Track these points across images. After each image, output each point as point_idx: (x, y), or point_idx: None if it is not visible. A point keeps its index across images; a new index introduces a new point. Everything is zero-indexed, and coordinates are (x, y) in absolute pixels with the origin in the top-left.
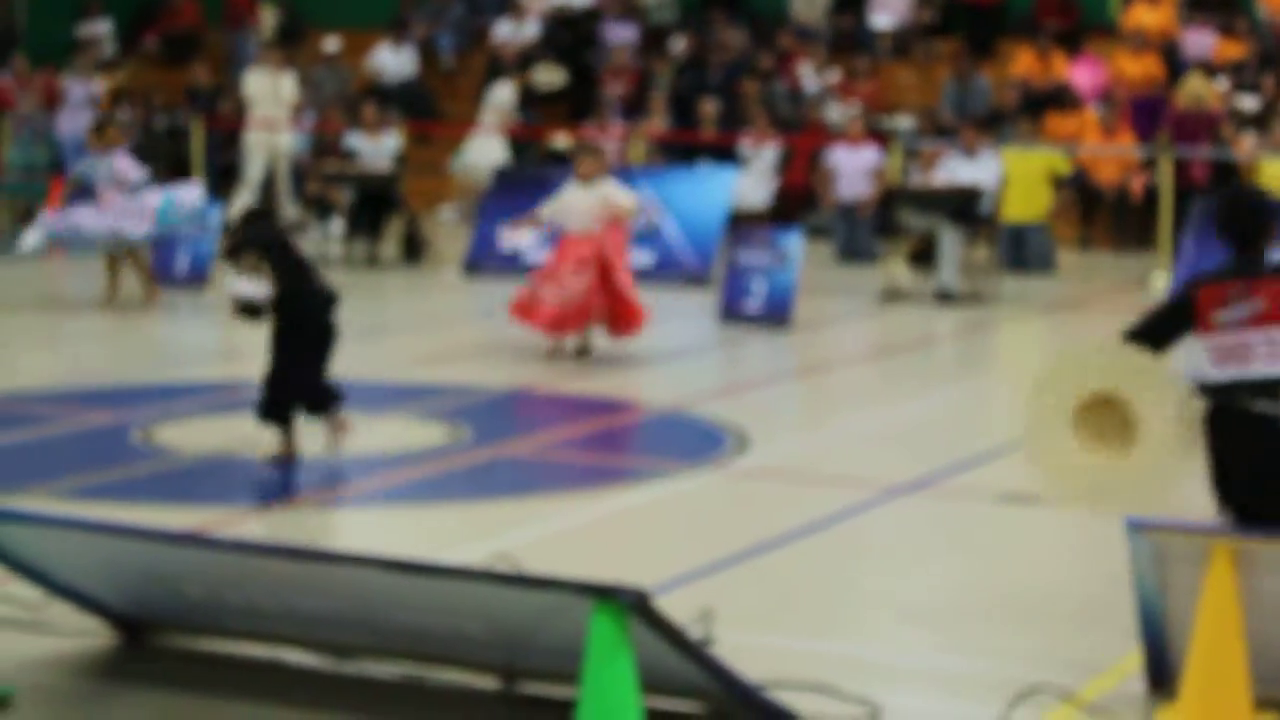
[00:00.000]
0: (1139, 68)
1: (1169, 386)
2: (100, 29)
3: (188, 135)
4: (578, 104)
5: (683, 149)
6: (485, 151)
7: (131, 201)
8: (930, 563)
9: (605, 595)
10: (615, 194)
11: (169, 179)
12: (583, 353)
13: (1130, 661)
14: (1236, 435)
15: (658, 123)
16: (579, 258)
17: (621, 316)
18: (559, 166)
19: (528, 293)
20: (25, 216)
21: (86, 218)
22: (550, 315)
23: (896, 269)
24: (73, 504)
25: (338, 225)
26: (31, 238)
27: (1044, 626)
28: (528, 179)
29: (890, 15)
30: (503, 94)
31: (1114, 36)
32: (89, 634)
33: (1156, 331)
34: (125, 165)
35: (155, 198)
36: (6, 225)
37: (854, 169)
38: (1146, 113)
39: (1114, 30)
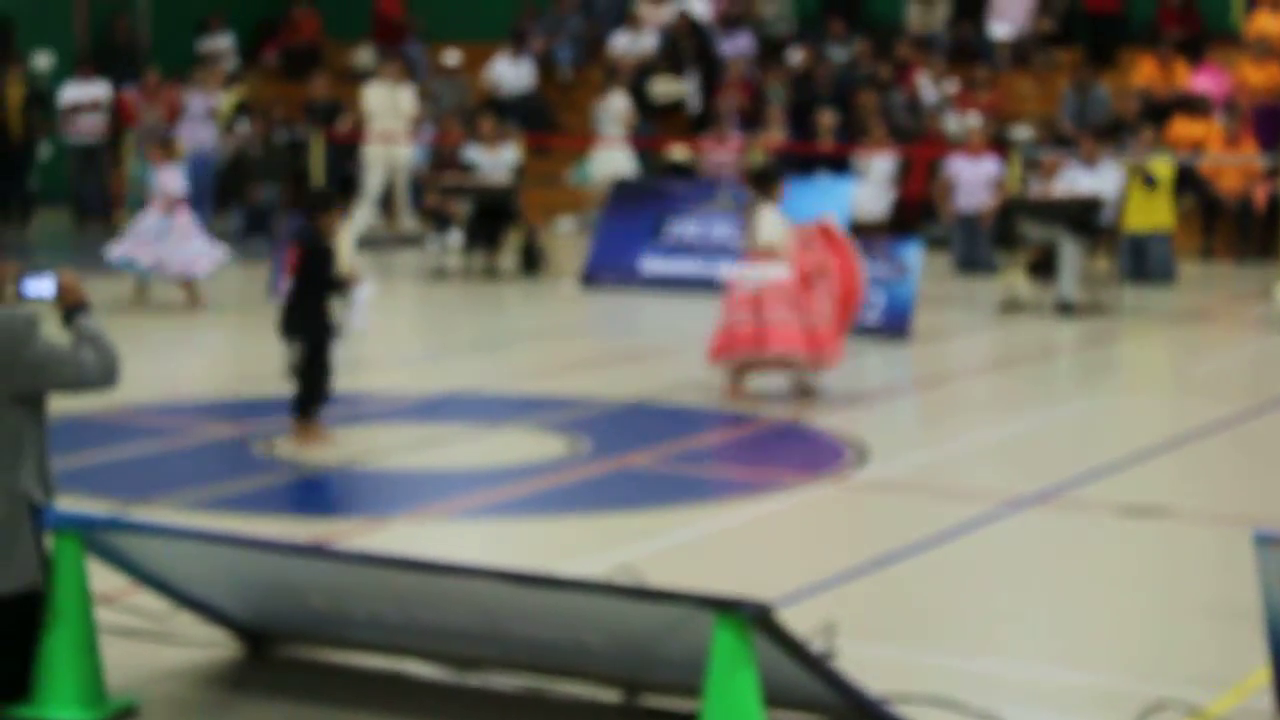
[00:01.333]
0: (1262, 76)
1: None
2: (222, 43)
3: (307, 149)
4: (696, 116)
5: (801, 160)
6: (611, 163)
7: (195, 240)
8: (1053, 576)
9: (727, 608)
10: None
11: (291, 193)
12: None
13: (1258, 677)
14: None
15: (775, 134)
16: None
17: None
18: (677, 179)
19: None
20: None
21: (146, 252)
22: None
23: (1016, 280)
24: (197, 516)
25: (456, 237)
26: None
27: (1169, 641)
28: (646, 191)
29: (1009, 24)
30: (618, 104)
31: (1237, 44)
32: (214, 645)
33: None
34: (169, 178)
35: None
36: None
37: (973, 179)
38: (1270, 121)
39: (1237, 38)
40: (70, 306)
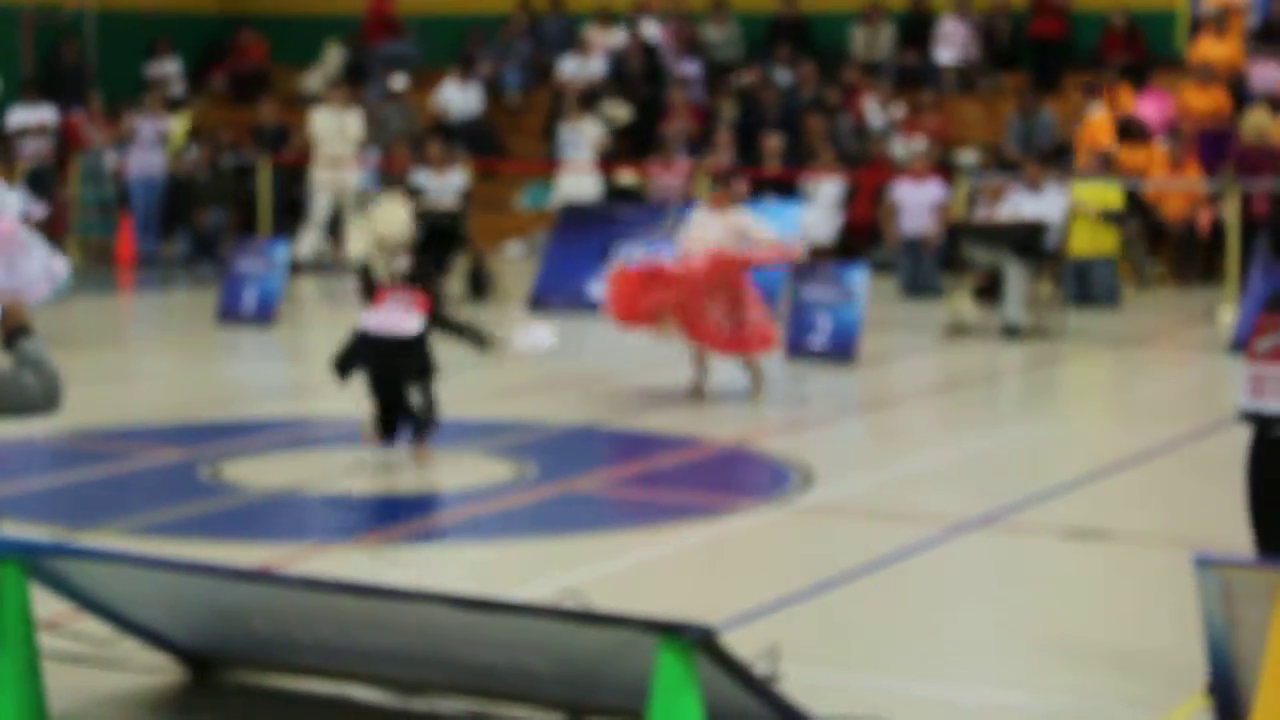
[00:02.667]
0: (1206, 100)
1: None
2: (169, 68)
3: (255, 173)
4: (643, 140)
5: (748, 184)
6: (577, 187)
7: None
8: (996, 600)
9: (671, 632)
10: (751, 225)
11: (239, 217)
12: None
13: (1199, 699)
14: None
15: (722, 158)
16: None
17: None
18: (625, 203)
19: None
20: (99, 254)
21: None
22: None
23: (961, 304)
24: (142, 540)
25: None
26: None
27: (1111, 664)
28: (594, 215)
29: (954, 50)
30: (592, 132)
31: (1180, 69)
32: (158, 670)
33: None
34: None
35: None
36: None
37: (918, 204)
38: (1213, 146)
39: (1181, 63)
40: (12, 330)
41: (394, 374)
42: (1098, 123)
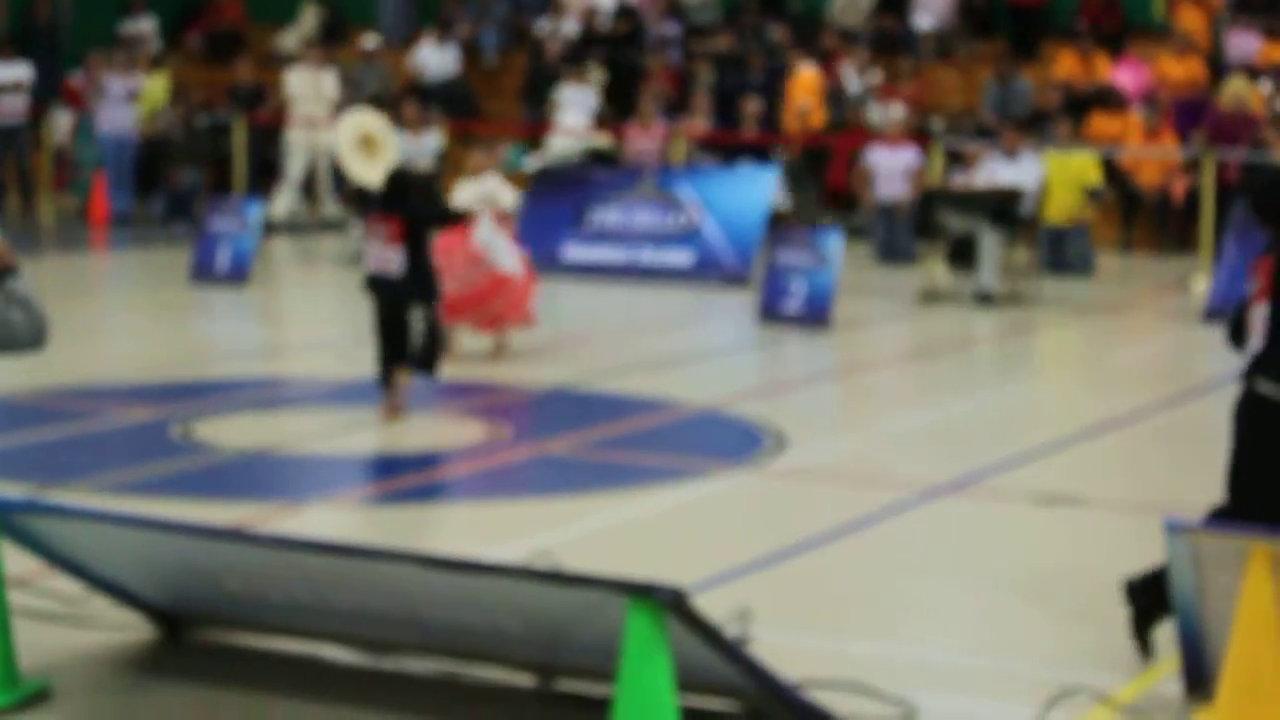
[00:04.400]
0: (1182, 69)
1: None
2: (144, 26)
3: (230, 133)
4: (619, 103)
5: (724, 148)
6: (569, 149)
7: None
8: (967, 563)
9: (642, 593)
10: (497, 189)
11: (214, 177)
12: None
13: (1168, 663)
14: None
15: (699, 122)
16: (467, 251)
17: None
18: (600, 166)
19: None
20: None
21: None
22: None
23: (936, 270)
24: (113, 499)
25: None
26: None
27: (1081, 627)
28: (568, 178)
29: (932, 16)
30: (587, 99)
31: (1157, 38)
32: (128, 628)
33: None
34: None
35: None
36: (51, 222)
37: (892, 169)
38: (1189, 115)
39: (1158, 31)
40: None
41: (394, 314)
42: (803, 81)
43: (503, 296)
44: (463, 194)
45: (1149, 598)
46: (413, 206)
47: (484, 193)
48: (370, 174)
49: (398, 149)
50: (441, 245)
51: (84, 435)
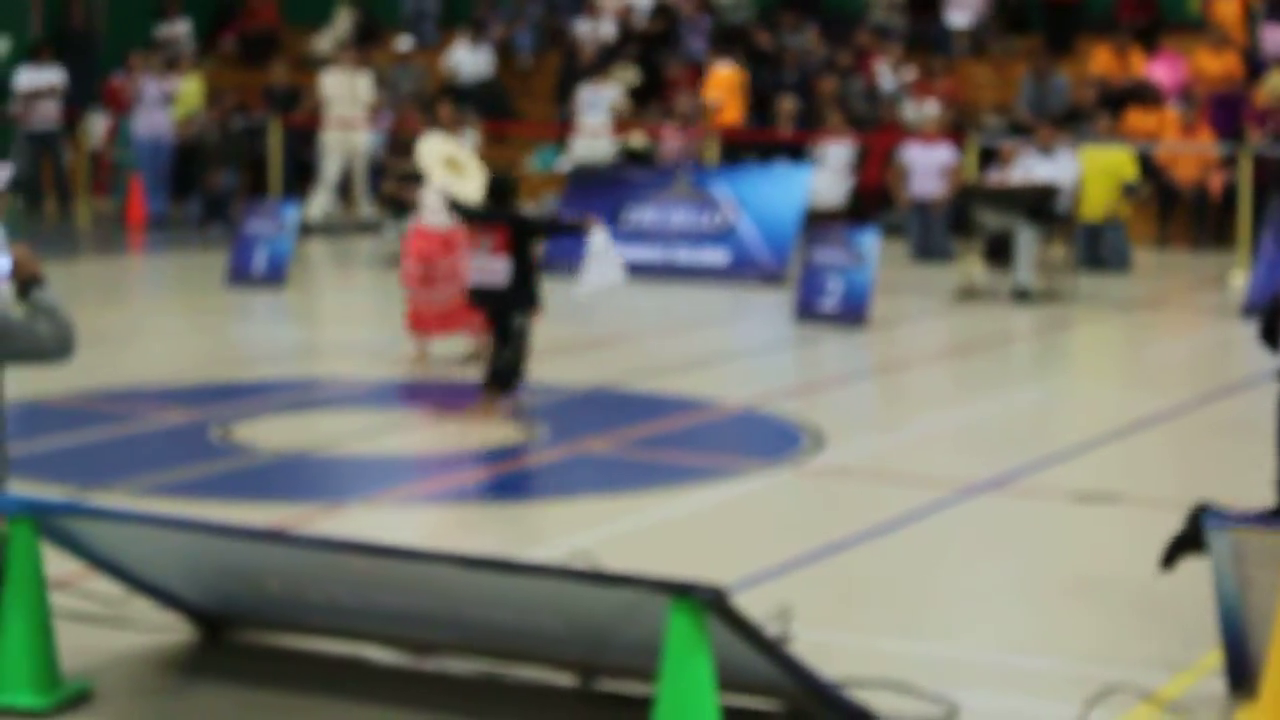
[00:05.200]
0: (1219, 64)
1: None
2: (179, 29)
3: (265, 135)
4: (651, 103)
5: (759, 147)
6: (593, 150)
7: None
8: (1007, 561)
9: (683, 593)
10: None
11: (249, 179)
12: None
13: (1210, 660)
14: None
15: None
16: (451, 260)
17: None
18: (635, 166)
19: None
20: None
21: None
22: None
23: (972, 267)
24: (153, 501)
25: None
26: None
27: (1123, 625)
28: (604, 178)
29: (966, 13)
30: (613, 95)
31: (1193, 32)
32: (169, 629)
33: None
34: None
35: None
36: (86, 225)
37: (928, 167)
38: (1226, 110)
39: (1193, 26)
40: (25, 280)
41: (501, 324)
42: (717, 78)
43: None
44: (439, 199)
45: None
46: (519, 214)
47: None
48: (468, 188)
49: (479, 165)
50: (419, 253)
51: (123, 438)
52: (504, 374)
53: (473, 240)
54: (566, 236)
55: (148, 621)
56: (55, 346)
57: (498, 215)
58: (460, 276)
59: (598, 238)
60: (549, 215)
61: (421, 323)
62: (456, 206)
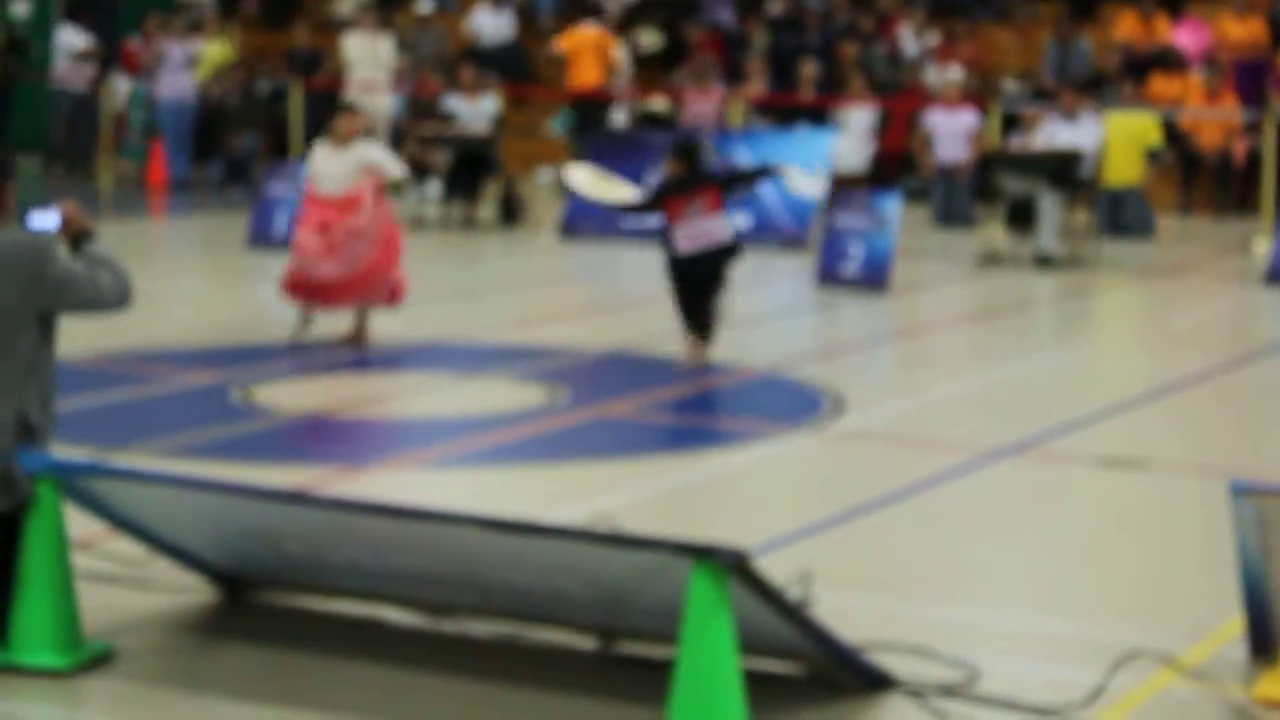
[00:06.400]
0: (1243, 30)
1: None
2: None
3: (287, 98)
4: (675, 66)
5: (781, 111)
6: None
7: None
8: (1028, 526)
9: (704, 555)
10: (380, 158)
11: (271, 142)
12: (357, 339)
13: (1232, 626)
14: None
15: (756, 85)
16: (348, 225)
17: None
18: (657, 129)
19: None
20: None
21: None
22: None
23: (995, 233)
24: (174, 462)
25: (435, 188)
26: None
27: (1144, 590)
28: (626, 142)
29: None
30: (618, 56)
31: None
32: (190, 590)
33: None
34: None
35: None
36: (110, 187)
37: (951, 132)
38: (1250, 76)
39: None
40: (77, 234)
41: (718, 281)
42: (581, 37)
43: (388, 274)
44: (330, 164)
45: None
46: (716, 171)
47: (364, 162)
48: (622, 191)
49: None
50: (318, 222)
51: (145, 399)
52: (715, 321)
53: (680, 209)
54: (764, 181)
55: (169, 582)
56: (116, 297)
57: (702, 178)
58: (362, 240)
59: (793, 172)
60: (732, 168)
61: (313, 292)
62: (663, 188)
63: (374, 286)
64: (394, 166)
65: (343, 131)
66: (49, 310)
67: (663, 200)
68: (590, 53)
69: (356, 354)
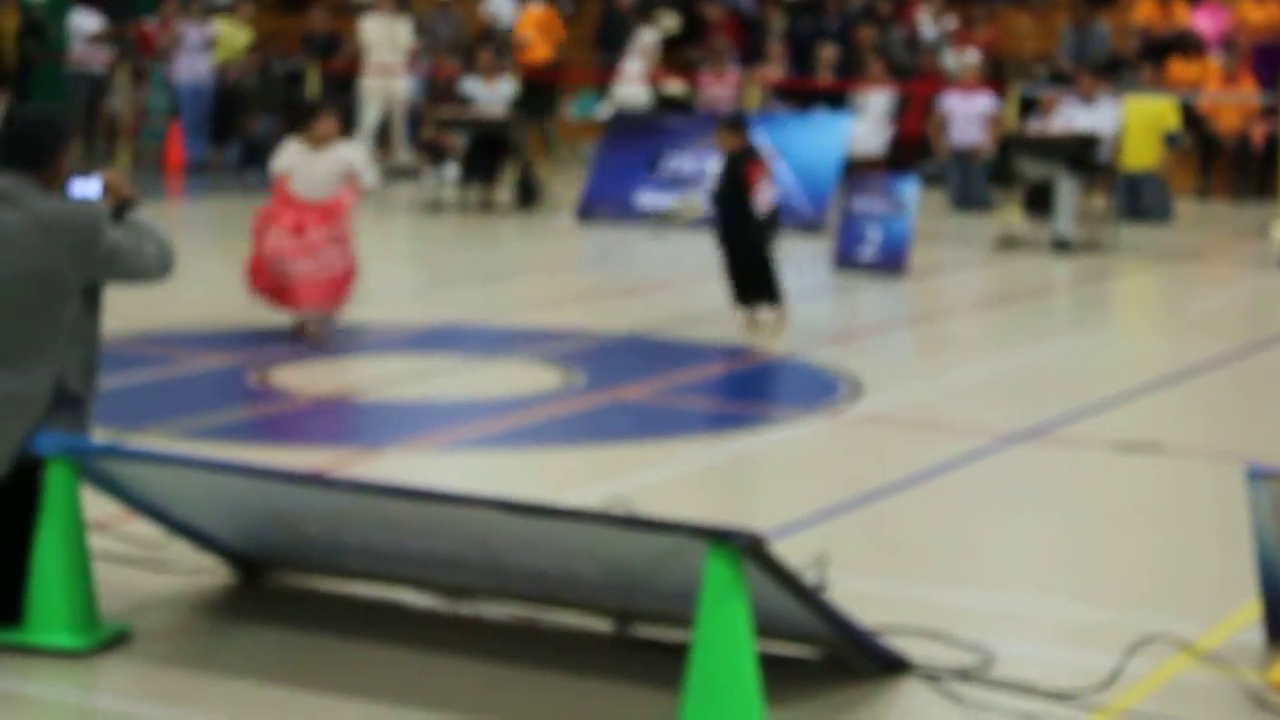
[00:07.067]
0: (1262, 14)
1: None
2: None
3: (304, 81)
4: (692, 50)
5: (799, 95)
6: (631, 96)
7: None
8: (1045, 510)
9: (720, 539)
10: (362, 165)
11: (289, 125)
12: (311, 334)
13: (1249, 611)
14: None
15: (774, 69)
16: (330, 231)
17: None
18: (673, 113)
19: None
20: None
21: None
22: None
23: (1012, 217)
24: (191, 444)
25: (452, 171)
26: None
27: (1161, 575)
28: (643, 125)
29: None
30: (648, 38)
31: None
32: (207, 572)
33: None
34: None
35: None
36: (129, 169)
37: (968, 116)
38: (1269, 59)
39: None
40: (119, 203)
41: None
42: (530, 16)
43: (349, 282)
44: (309, 166)
45: None
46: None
47: (345, 166)
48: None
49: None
50: (291, 223)
51: (163, 381)
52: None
53: (758, 175)
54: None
55: (186, 564)
56: (160, 266)
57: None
58: (339, 245)
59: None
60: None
61: (283, 292)
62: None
63: (344, 292)
64: (371, 175)
65: (320, 133)
66: (95, 280)
67: (758, 163)
68: (543, 31)
69: (315, 348)
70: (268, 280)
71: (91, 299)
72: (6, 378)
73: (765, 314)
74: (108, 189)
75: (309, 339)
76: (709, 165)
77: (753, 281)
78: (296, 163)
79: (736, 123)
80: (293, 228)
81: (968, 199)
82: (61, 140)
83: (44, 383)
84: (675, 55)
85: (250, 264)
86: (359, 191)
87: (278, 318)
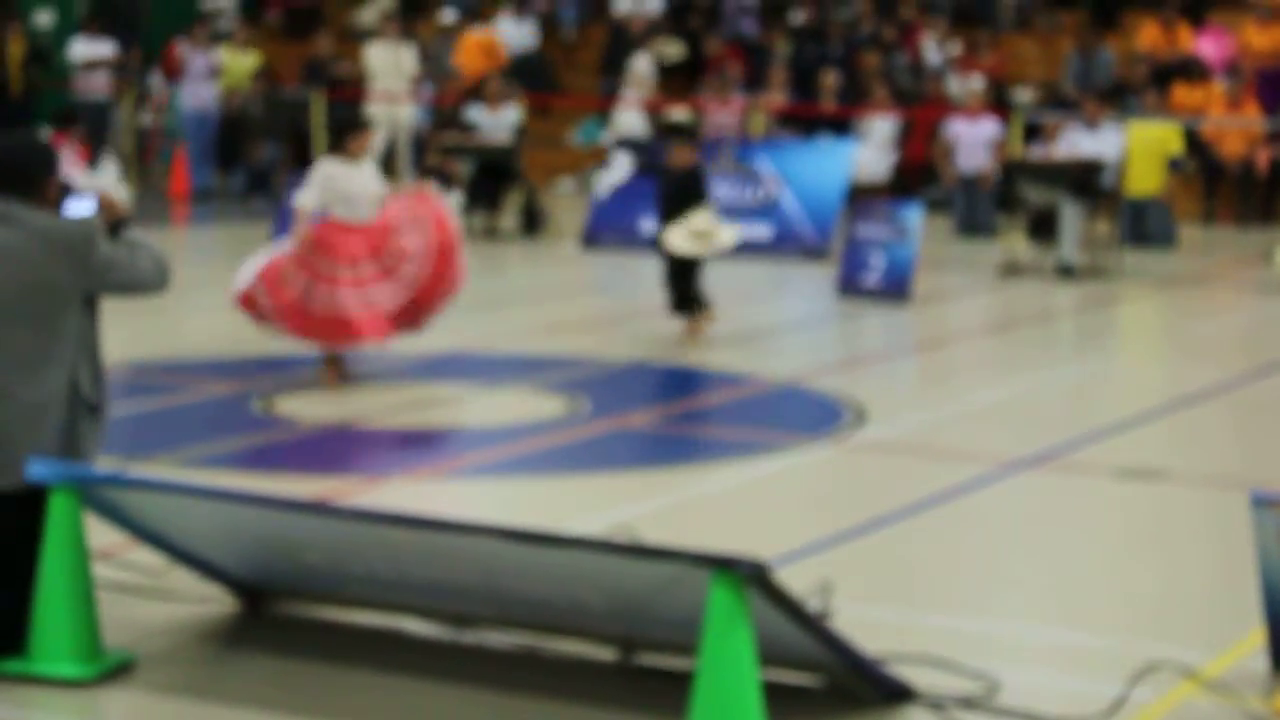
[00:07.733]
0: (1266, 39)
1: None
2: (223, 2)
3: (309, 108)
4: (696, 76)
5: (803, 121)
6: (630, 124)
7: None
8: (1049, 538)
9: (724, 566)
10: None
11: (293, 152)
12: (338, 368)
13: (1253, 638)
14: None
15: (777, 95)
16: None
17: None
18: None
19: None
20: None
21: None
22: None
23: (1016, 243)
24: (195, 472)
25: (457, 198)
26: None
27: (1165, 602)
28: (647, 152)
29: None
30: (640, 65)
31: (1240, 7)
32: (210, 600)
33: None
34: None
35: None
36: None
37: (973, 141)
38: (1273, 85)
39: (1240, 0)
40: (114, 221)
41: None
42: (470, 42)
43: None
44: (355, 181)
45: None
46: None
47: (377, 182)
48: (731, 234)
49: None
50: (350, 255)
51: (167, 409)
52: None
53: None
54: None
55: (189, 593)
56: (156, 279)
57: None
58: (414, 261)
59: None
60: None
61: (359, 329)
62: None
63: (424, 313)
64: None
65: (357, 148)
66: (93, 291)
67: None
68: (485, 56)
69: (334, 386)
70: (315, 321)
71: (90, 309)
72: (20, 387)
73: (698, 321)
74: (102, 208)
75: (330, 379)
76: (716, 192)
77: (687, 291)
78: (337, 174)
79: (694, 133)
80: (348, 259)
81: (972, 225)
82: (49, 165)
83: (58, 391)
84: (680, 83)
85: (282, 309)
86: (428, 196)
87: (281, 345)
